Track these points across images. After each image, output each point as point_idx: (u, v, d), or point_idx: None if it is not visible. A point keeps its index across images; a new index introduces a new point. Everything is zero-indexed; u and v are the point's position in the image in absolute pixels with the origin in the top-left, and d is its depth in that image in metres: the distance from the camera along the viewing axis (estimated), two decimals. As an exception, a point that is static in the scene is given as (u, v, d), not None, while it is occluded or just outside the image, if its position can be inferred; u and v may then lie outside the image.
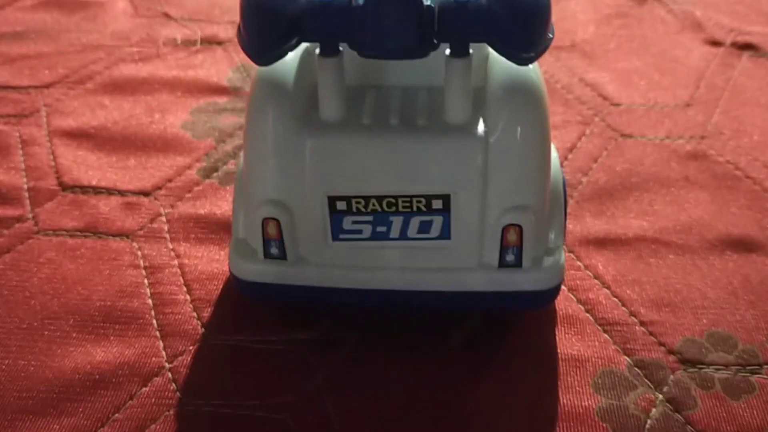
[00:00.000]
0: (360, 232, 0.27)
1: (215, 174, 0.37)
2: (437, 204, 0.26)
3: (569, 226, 0.34)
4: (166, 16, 0.49)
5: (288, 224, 0.27)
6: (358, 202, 0.26)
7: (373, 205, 0.26)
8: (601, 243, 0.33)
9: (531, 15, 0.23)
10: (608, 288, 0.31)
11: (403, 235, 0.27)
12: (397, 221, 0.26)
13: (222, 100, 0.42)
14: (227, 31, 0.48)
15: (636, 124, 0.40)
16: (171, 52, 0.46)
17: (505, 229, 0.26)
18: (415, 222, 0.26)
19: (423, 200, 0.26)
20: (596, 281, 0.31)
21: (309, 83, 0.27)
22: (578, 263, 0.32)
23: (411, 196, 0.26)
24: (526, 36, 0.23)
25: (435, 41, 0.23)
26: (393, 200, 0.26)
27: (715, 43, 0.46)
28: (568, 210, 0.34)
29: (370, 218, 0.26)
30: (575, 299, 0.31)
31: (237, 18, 0.48)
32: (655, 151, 0.38)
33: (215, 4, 0.50)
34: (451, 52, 0.25)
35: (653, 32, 0.47)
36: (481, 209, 0.26)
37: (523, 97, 0.26)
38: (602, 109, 0.41)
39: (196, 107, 0.41)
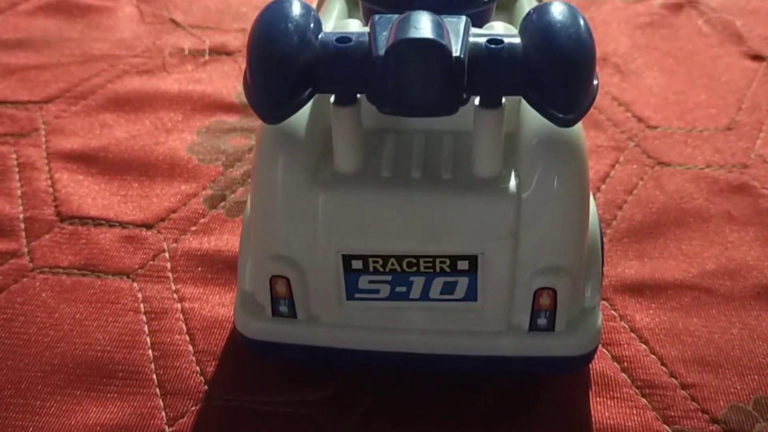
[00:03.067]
0: (377, 291, 0.24)
1: (222, 204, 0.35)
2: (463, 265, 0.24)
3: (610, 269, 0.31)
4: (173, 22, 0.46)
5: (298, 282, 0.24)
6: (375, 262, 0.24)
7: (392, 264, 0.24)
8: (638, 290, 0.31)
9: (573, 68, 0.20)
10: (646, 343, 0.29)
11: (424, 296, 0.24)
12: (418, 282, 0.24)
13: (230, 119, 0.39)
14: (237, 39, 0.45)
15: (673, 151, 0.37)
16: (178, 64, 0.43)
17: (537, 293, 0.24)
18: (438, 283, 0.24)
19: (447, 261, 0.23)
20: (633, 335, 0.29)
21: (322, 128, 0.24)
22: (613, 313, 0.30)
23: (434, 256, 0.23)
24: (567, 93, 0.20)
25: (465, 96, 0.21)
26: (414, 260, 0.24)
27: (757, 57, 0.43)
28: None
29: (388, 278, 0.24)
30: (610, 355, 0.28)
31: (247, 25, 0.46)
32: (695, 182, 0.35)
33: (224, 10, 0.48)
34: (481, 102, 0.22)
35: (690, 44, 0.44)
36: (512, 271, 0.24)
37: (560, 147, 0.23)
38: (637, 133, 0.38)
39: (203, 127, 0.39)
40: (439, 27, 0.20)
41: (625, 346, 0.29)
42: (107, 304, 0.30)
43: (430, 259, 0.24)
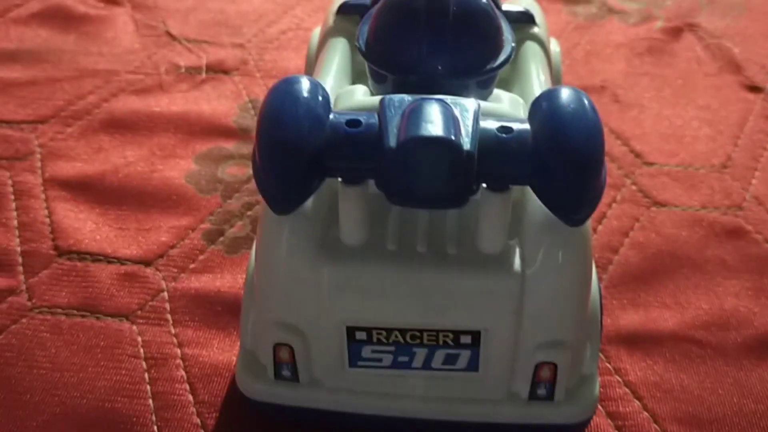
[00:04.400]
0: (380, 360, 0.25)
1: (221, 239, 0.35)
2: (465, 339, 0.24)
3: (604, 318, 0.32)
4: (169, 35, 0.46)
5: (301, 349, 0.25)
6: (379, 333, 0.24)
7: (396, 336, 0.24)
8: (633, 341, 0.31)
9: (583, 170, 0.20)
10: (640, 400, 0.29)
11: (426, 366, 0.25)
12: (420, 353, 0.24)
13: (228, 145, 0.39)
14: (235, 56, 0.44)
15: (670, 190, 0.37)
16: (174, 83, 0.43)
17: (538, 366, 0.24)
18: (440, 354, 0.24)
19: (450, 335, 0.24)
20: (627, 389, 0.29)
21: (328, 197, 0.24)
22: (608, 366, 0.30)
23: (437, 330, 0.24)
24: (576, 195, 0.20)
25: (474, 187, 0.21)
26: (417, 333, 0.24)
27: (754, 89, 0.43)
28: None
29: (391, 348, 0.24)
30: (605, 412, 0.29)
31: (242, 39, 0.46)
32: (690, 225, 0.36)
33: (220, 22, 0.47)
34: (488, 186, 0.22)
35: (688, 73, 0.44)
36: (514, 345, 0.24)
37: (565, 225, 0.23)
38: (634, 170, 0.38)
39: (201, 153, 0.39)
40: (450, 120, 0.20)
41: (620, 402, 0.29)
42: (107, 348, 0.30)
43: (434, 333, 0.24)
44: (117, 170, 0.38)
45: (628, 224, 0.36)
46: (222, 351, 0.31)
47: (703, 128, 0.41)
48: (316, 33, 0.38)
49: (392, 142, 0.20)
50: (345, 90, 0.25)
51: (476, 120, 0.21)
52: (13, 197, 0.36)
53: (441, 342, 0.24)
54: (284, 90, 0.22)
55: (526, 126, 0.21)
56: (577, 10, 0.49)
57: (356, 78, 0.32)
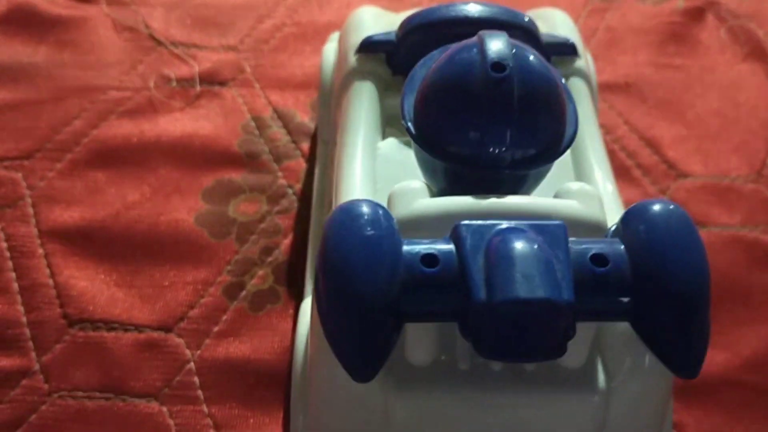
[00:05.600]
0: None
1: (242, 294, 0.32)
2: (544, 453, 0.23)
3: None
4: (153, 39, 0.42)
5: (366, 472, 0.23)
6: (450, 453, 0.23)
7: (469, 455, 0.23)
8: (687, 390, 0.30)
9: (690, 309, 0.18)
10: (699, 458, 0.29)
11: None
12: (495, 470, 0.23)
13: (236, 176, 0.36)
14: (229, 62, 0.41)
15: (707, 207, 0.35)
16: (166, 100, 0.39)
17: (618, 472, 0.23)
18: (515, 469, 0.23)
19: (528, 451, 0.22)
20: (686, 447, 0.29)
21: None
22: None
23: (513, 448, 0.22)
24: (685, 347, 0.18)
25: (572, 333, 0.19)
26: (492, 451, 0.22)
27: (783, 78, 0.41)
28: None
29: (464, 468, 0.23)
30: (665, 476, 0.28)
31: (232, 40, 0.42)
32: (730, 247, 0.34)
33: (208, 19, 0.43)
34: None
35: (712, 62, 0.41)
36: (593, 454, 0.23)
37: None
38: (669, 184, 0.36)
39: (208, 188, 0.36)
40: (547, 269, 0.18)
41: (680, 463, 0.28)
42: (140, 437, 0.29)
43: (510, 450, 0.22)
44: (118, 215, 0.35)
45: (669, 251, 0.34)
46: (260, 429, 0.29)
47: (734, 128, 0.39)
48: (328, 54, 0.34)
49: (481, 294, 0.18)
50: (400, 190, 0.22)
51: (567, 252, 0.19)
52: (9, 254, 0.33)
53: (518, 458, 0.23)
54: (346, 227, 0.19)
55: (621, 249, 0.19)
56: (590, -12, 0.45)
57: (386, 124, 0.29)
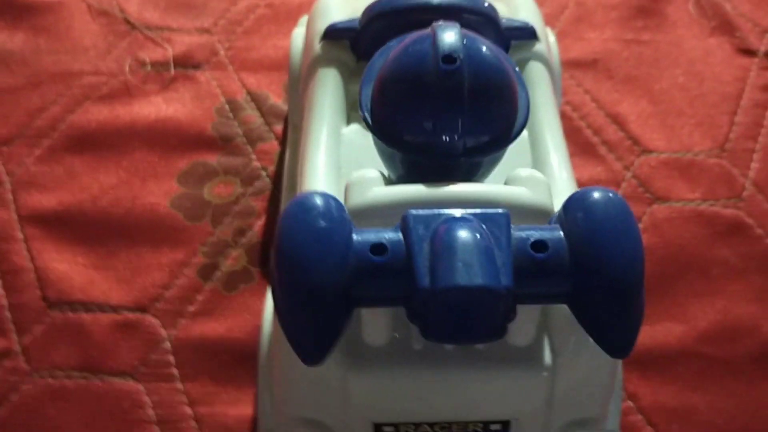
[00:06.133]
0: (409, 449, 0.24)
1: (216, 274, 0.33)
2: (496, 426, 0.24)
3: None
4: (127, 23, 0.42)
5: (327, 442, 0.24)
6: (407, 428, 0.24)
7: (425, 429, 0.24)
8: (642, 362, 0.31)
9: (624, 294, 0.19)
10: (654, 426, 0.30)
11: (455, 450, 0.25)
12: (449, 440, 0.24)
13: (211, 159, 0.37)
14: (202, 45, 0.41)
15: (670, 182, 0.36)
16: (141, 84, 0.39)
17: (567, 442, 0.24)
18: (469, 440, 0.24)
19: (480, 425, 0.23)
20: (641, 416, 0.30)
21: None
22: (622, 392, 0.31)
23: (467, 422, 0.24)
24: (620, 331, 0.19)
25: (512, 316, 0.20)
26: (446, 425, 0.24)
27: (749, 52, 0.41)
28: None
29: (420, 438, 0.24)
30: (621, 443, 0.29)
31: (205, 22, 0.42)
32: (692, 222, 0.35)
33: (180, 1, 0.43)
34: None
35: (679, 37, 0.42)
36: (543, 427, 0.24)
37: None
38: (633, 160, 0.37)
39: (183, 171, 0.36)
40: (486, 257, 0.19)
41: (634, 430, 0.30)
42: (118, 415, 0.30)
43: (463, 424, 0.24)
44: (95, 199, 0.35)
45: (631, 226, 0.35)
46: (233, 405, 0.30)
47: (699, 104, 0.39)
48: (297, 38, 0.35)
49: (425, 281, 0.19)
50: (356, 179, 0.23)
51: (509, 239, 0.20)
52: (-11, 239, 0.34)
53: (471, 431, 0.24)
54: (299, 220, 0.20)
55: (560, 236, 0.20)
56: (561, -36, 0.46)
57: (350, 109, 0.30)
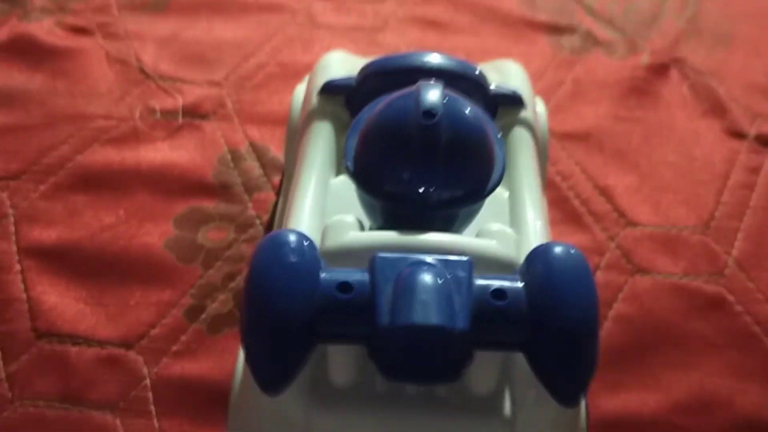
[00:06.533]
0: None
1: (202, 317, 0.34)
2: (455, 476, 0.24)
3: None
4: (142, 72, 0.44)
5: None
6: (368, 471, 0.24)
7: (385, 473, 0.24)
8: (614, 428, 0.31)
9: (577, 343, 0.20)
10: (622, 495, 0.30)
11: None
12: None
13: (208, 205, 0.38)
14: (211, 97, 0.43)
15: (653, 255, 0.37)
16: (149, 130, 0.41)
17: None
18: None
19: (439, 473, 0.24)
20: (609, 483, 0.30)
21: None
22: (590, 457, 0.31)
23: (426, 469, 0.24)
24: (570, 382, 0.20)
25: (469, 360, 0.20)
26: (406, 471, 0.24)
27: (739, 135, 0.43)
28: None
29: (380, 482, 0.24)
30: None
31: (216, 76, 0.44)
32: (673, 295, 0.36)
33: (196, 55, 0.45)
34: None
35: (672, 117, 0.43)
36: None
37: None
38: (618, 231, 0.38)
39: (180, 215, 0.38)
40: (444, 299, 0.20)
41: (602, 498, 0.30)
42: (92, 446, 0.30)
43: (422, 471, 0.24)
44: (93, 236, 0.37)
45: (612, 295, 0.36)
46: (208, 445, 0.31)
47: (687, 181, 0.40)
48: (299, 93, 0.36)
49: (384, 320, 0.20)
50: (334, 223, 0.24)
51: (470, 286, 0.21)
52: (-13, 268, 0.36)
53: (429, 479, 0.24)
54: (270, 255, 0.21)
55: (520, 287, 0.21)
56: (561, 41, 0.48)
57: (341, 162, 0.31)
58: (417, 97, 0.24)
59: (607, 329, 0.34)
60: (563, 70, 0.46)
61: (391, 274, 0.21)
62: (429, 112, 0.24)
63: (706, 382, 0.33)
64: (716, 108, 0.44)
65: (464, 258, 0.21)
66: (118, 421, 0.31)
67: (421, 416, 0.23)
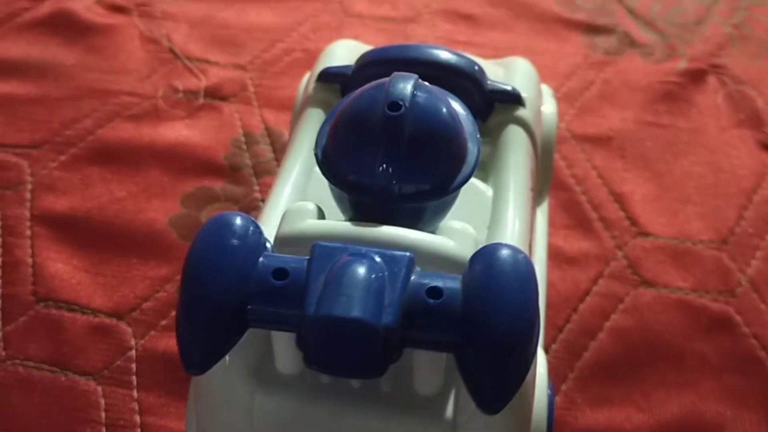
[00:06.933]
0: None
1: (195, 294, 0.35)
2: (395, 474, 0.24)
3: (566, 414, 0.31)
4: (172, 53, 0.45)
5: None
6: (309, 460, 0.24)
7: (326, 464, 0.24)
8: (592, 444, 0.30)
9: (504, 351, 0.19)
10: None
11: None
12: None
13: (216, 185, 0.39)
14: (234, 80, 0.43)
15: (661, 268, 0.35)
16: (170, 108, 0.42)
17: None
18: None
19: (379, 469, 0.24)
20: (578, 499, 0.29)
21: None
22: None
23: (366, 464, 0.24)
24: (492, 377, 0.19)
25: (395, 356, 0.20)
26: (346, 463, 0.24)
27: (773, 149, 0.41)
28: (564, 389, 0.32)
29: (322, 473, 0.24)
30: None
31: (246, 60, 0.45)
32: (676, 310, 0.34)
33: (225, 38, 0.46)
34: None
35: (703, 126, 0.42)
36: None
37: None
38: (628, 240, 0.37)
39: (188, 194, 0.38)
40: (370, 292, 0.19)
41: None
42: (71, 411, 0.31)
43: (362, 465, 0.24)
44: (103, 208, 0.38)
45: (611, 306, 0.34)
46: (180, 420, 0.31)
47: (710, 194, 0.39)
48: (305, 80, 0.36)
49: (311, 309, 0.20)
50: (293, 209, 0.24)
51: (405, 282, 0.20)
52: (0, 232, 0.37)
53: (369, 474, 0.24)
54: (211, 234, 0.21)
55: (457, 286, 0.20)
56: (596, 41, 0.46)
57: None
58: (387, 88, 0.24)
59: (599, 341, 0.33)
60: (594, 70, 0.44)
61: (327, 263, 0.21)
62: (395, 104, 0.24)
63: (698, 405, 0.31)
64: (752, 119, 0.42)
65: (405, 253, 0.21)
66: (100, 389, 0.32)
67: (362, 410, 0.23)
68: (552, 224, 0.36)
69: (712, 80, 0.44)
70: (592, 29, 0.47)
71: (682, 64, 0.44)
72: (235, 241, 0.21)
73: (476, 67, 0.30)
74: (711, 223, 0.37)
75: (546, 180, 0.35)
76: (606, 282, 0.35)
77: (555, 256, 0.36)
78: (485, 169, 0.29)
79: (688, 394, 0.32)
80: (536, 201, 0.32)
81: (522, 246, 0.27)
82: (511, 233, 0.26)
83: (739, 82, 0.44)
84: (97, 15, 0.47)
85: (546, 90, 0.35)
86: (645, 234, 0.37)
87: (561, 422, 0.31)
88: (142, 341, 0.33)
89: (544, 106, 0.34)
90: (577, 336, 0.33)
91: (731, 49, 0.46)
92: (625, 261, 0.36)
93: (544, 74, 0.34)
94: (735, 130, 0.41)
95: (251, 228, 0.22)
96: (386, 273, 0.20)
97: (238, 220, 0.22)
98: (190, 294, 0.20)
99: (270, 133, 0.41)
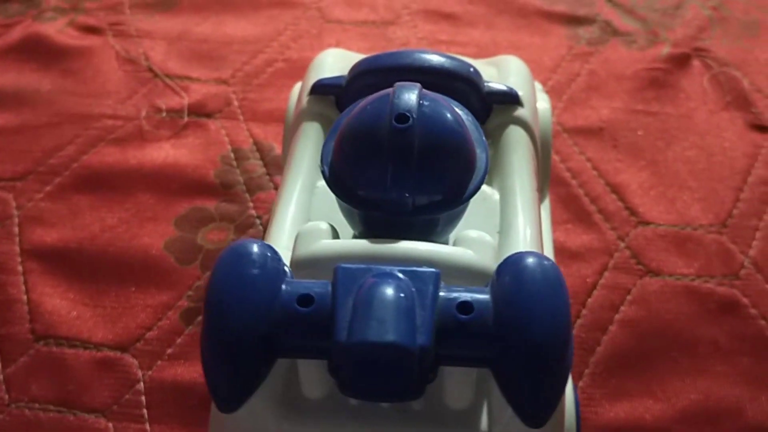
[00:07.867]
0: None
1: (198, 319, 0.34)
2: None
3: (586, 411, 0.31)
4: (150, 71, 0.44)
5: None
6: (341, 484, 0.23)
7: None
8: (616, 438, 0.30)
9: (544, 361, 0.19)
10: None
11: None
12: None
13: (209, 205, 0.38)
14: (217, 95, 0.43)
15: (665, 256, 0.35)
16: (154, 129, 0.41)
17: None
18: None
19: (414, 487, 0.23)
20: (607, 496, 0.29)
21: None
22: (588, 468, 0.30)
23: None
24: (536, 399, 0.19)
25: (431, 376, 0.20)
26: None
27: (762, 128, 0.41)
28: (582, 385, 0.31)
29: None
30: None
31: (228, 74, 0.44)
32: (683, 297, 0.34)
33: (204, 52, 0.45)
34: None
35: (691, 110, 0.42)
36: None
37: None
38: (628, 231, 0.36)
39: (181, 215, 0.37)
40: (403, 315, 0.19)
41: None
42: (83, 450, 0.30)
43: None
44: (94, 237, 0.37)
45: (619, 298, 0.34)
46: (197, 450, 0.30)
47: (704, 178, 0.39)
48: (295, 93, 0.36)
49: (342, 335, 0.19)
50: (305, 231, 0.23)
51: (434, 300, 0.20)
52: (-10, 270, 0.36)
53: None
54: (229, 267, 0.20)
55: (487, 299, 0.20)
56: (579, 32, 0.46)
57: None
58: (392, 100, 0.24)
59: (612, 334, 0.33)
60: (579, 62, 0.44)
61: (353, 286, 0.20)
62: (402, 116, 0.23)
63: (714, 390, 0.31)
64: (739, 100, 0.42)
65: (431, 270, 0.20)
66: (111, 425, 0.31)
67: (394, 430, 0.23)
68: (553, 220, 0.36)
69: (696, 64, 0.44)
70: (573, 20, 0.47)
71: (665, 50, 0.44)
72: (255, 270, 0.20)
73: (472, 69, 0.30)
74: (709, 206, 0.37)
75: (545, 177, 0.35)
76: (611, 274, 0.35)
77: (558, 251, 0.35)
78: (490, 175, 0.29)
79: (704, 380, 0.32)
80: (540, 200, 0.32)
81: (536, 250, 0.26)
82: (523, 238, 0.26)
83: (723, 64, 0.44)
84: (70, 37, 0.46)
85: (537, 86, 0.35)
86: (645, 223, 0.37)
87: (582, 419, 0.31)
88: (150, 372, 0.32)
89: (539, 102, 0.34)
90: (588, 331, 0.33)
91: (712, 31, 0.46)
92: (628, 251, 0.36)
93: (530, 69, 0.33)
94: (723, 112, 0.42)
95: (269, 254, 0.21)
96: (414, 291, 0.20)
97: (256, 248, 0.21)
98: (214, 329, 0.20)
99: (259, 147, 0.40)
